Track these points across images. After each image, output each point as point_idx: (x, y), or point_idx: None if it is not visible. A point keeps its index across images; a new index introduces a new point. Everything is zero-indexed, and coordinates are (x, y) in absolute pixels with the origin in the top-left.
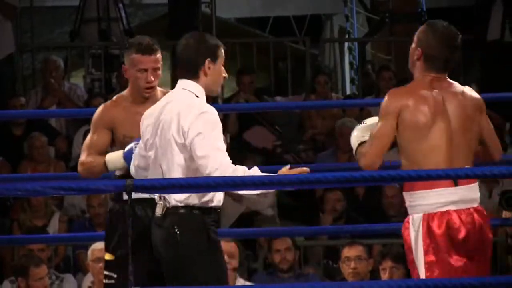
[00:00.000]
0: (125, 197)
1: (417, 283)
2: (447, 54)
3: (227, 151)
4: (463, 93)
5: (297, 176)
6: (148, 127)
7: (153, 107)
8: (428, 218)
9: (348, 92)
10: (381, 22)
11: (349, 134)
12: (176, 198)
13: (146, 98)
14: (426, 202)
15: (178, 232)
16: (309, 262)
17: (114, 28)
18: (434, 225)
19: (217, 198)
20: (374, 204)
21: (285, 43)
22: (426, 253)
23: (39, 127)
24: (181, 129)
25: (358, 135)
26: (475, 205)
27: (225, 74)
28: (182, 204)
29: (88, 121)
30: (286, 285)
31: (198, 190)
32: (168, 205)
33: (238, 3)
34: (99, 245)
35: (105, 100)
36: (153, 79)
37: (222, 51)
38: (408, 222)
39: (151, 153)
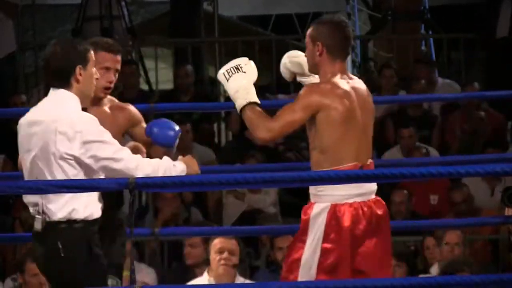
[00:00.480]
0: None
1: (419, 282)
2: (344, 41)
3: (231, 149)
4: (363, 86)
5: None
6: (26, 137)
7: (29, 115)
8: (335, 208)
9: None
10: (383, 20)
11: None
12: (59, 214)
13: (100, 98)
14: (335, 193)
15: (61, 247)
16: None
17: (116, 26)
18: (341, 215)
19: (98, 209)
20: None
21: (287, 41)
22: (325, 241)
23: None
24: (62, 139)
25: (247, 87)
26: (373, 196)
27: (97, 76)
28: (64, 219)
29: None
30: (288, 282)
31: (200, 188)
32: (48, 219)
33: (240, 1)
34: None
35: None
36: (113, 79)
37: (92, 53)
38: (311, 208)
39: (28, 163)
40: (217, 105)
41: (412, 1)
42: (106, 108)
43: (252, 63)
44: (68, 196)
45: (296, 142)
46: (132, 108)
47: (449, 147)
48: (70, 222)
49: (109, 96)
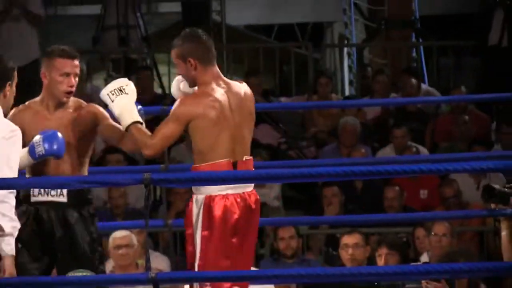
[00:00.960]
0: (33, 199)
1: (410, 269)
2: (209, 48)
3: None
4: (241, 89)
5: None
6: None
7: None
8: (210, 200)
9: (347, 93)
10: (378, 29)
11: (350, 131)
12: None
13: (63, 102)
14: (209, 186)
15: None
16: (311, 249)
17: (132, 34)
18: (214, 206)
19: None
20: (371, 197)
21: (289, 48)
22: (203, 229)
23: None
24: None
25: (129, 108)
26: (249, 189)
27: (14, 94)
28: None
29: None
30: (289, 270)
31: (212, 183)
32: None
33: (246, 11)
34: (119, 233)
35: None
36: (74, 83)
37: (16, 72)
38: (192, 201)
39: None
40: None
41: (404, 11)
42: (70, 110)
43: (132, 84)
44: None
45: (297, 142)
46: (95, 106)
47: (437, 146)
48: None
49: (74, 98)
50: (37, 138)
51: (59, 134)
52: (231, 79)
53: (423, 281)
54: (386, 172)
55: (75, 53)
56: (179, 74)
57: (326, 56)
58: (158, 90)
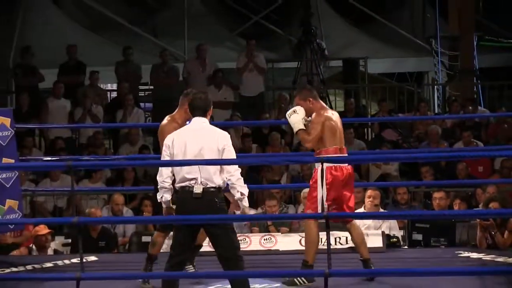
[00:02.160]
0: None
1: (472, 212)
2: (314, 91)
3: (373, 141)
4: (336, 114)
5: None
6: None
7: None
8: (326, 167)
9: (436, 111)
10: (454, 75)
11: (436, 133)
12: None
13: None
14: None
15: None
16: (416, 200)
17: (315, 79)
18: (329, 170)
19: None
20: (450, 170)
21: (403, 86)
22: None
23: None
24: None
25: (299, 121)
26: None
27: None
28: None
29: None
30: (403, 211)
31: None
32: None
33: (379, 65)
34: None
35: None
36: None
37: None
38: (316, 167)
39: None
40: (366, 119)
41: (469, 65)
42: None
43: (301, 108)
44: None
45: (408, 139)
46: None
47: (488, 142)
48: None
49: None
50: None
51: None
52: (369, 104)
53: (477, 219)
54: (458, 156)
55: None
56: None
57: (424, 90)
58: None
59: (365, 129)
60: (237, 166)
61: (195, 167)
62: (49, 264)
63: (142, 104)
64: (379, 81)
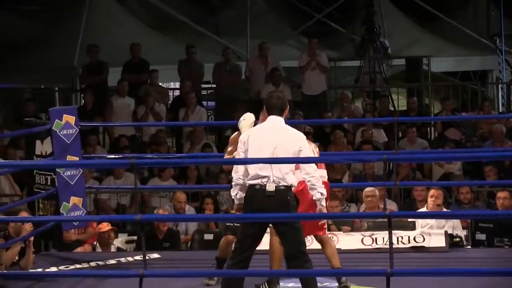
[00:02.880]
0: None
1: None
2: None
3: (436, 141)
4: None
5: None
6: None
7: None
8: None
9: (500, 110)
10: None
11: (500, 132)
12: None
13: None
14: None
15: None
16: (479, 199)
17: (378, 77)
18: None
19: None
20: None
21: (467, 85)
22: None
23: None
24: None
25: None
26: None
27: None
28: (288, 185)
29: None
30: (466, 211)
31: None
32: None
33: (442, 63)
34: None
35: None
36: None
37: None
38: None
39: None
40: (429, 118)
41: None
42: None
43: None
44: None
45: (471, 138)
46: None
47: None
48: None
49: None
50: None
51: None
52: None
53: None
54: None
55: None
56: None
57: (488, 89)
58: (391, 108)
59: (428, 128)
60: (315, 166)
61: (268, 165)
62: (112, 261)
63: (204, 103)
64: (442, 79)
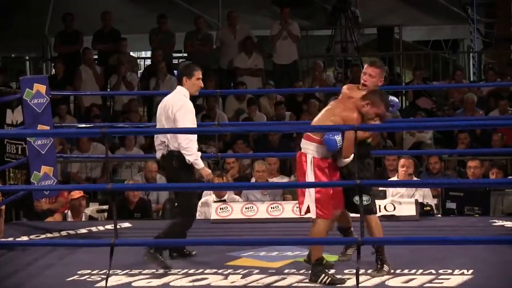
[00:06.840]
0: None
1: (510, 181)
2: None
3: None
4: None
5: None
6: None
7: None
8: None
9: (471, 79)
10: (490, 42)
11: (472, 101)
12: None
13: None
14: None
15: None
16: (449, 168)
17: (349, 46)
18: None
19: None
20: (484, 138)
21: (438, 54)
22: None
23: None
24: None
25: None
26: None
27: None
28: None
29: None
30: (435, 180)
31: None
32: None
33: (414, 32)
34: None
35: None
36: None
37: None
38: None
39: None
40: (400, 87)
41: (505, 32)
42: None
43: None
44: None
45: (442, 107)
46: None
47: None
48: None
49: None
50: None
51: None
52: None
53: None
54: (493, 124)
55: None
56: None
57: (460, 58)
58: None
59: (400, 97)
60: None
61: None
62: (83, 230)
63: (175, 72)
64: (413, 48)
